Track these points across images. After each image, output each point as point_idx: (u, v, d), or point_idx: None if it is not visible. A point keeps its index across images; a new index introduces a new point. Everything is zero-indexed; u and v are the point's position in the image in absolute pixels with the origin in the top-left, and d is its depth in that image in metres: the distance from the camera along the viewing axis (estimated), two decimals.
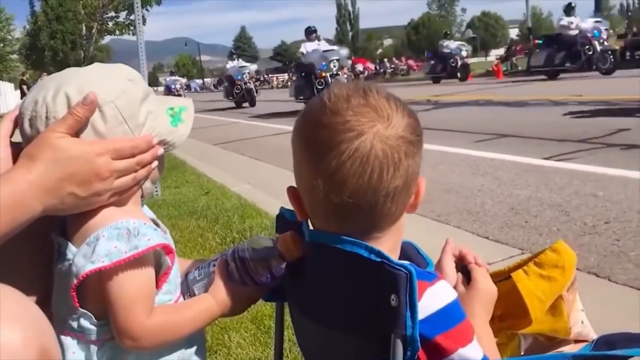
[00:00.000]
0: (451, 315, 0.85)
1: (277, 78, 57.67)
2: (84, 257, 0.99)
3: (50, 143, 0.94)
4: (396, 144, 0.85)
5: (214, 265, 1.12)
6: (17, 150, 1.01)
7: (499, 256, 3.02)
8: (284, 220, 1.09)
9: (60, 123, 0.96)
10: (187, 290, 1.13)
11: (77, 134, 0.98)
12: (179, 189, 5.41)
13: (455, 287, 1.00)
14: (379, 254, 0.83)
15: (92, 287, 1.02)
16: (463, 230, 3.52)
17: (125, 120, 1.02)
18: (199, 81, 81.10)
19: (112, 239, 0.99)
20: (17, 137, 1.04)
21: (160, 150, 1.07)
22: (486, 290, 1.01)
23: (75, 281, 0.99)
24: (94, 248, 0.99)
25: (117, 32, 29.53)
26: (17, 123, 1.04)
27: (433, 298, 0.84)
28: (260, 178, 6.06)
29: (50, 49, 31.99)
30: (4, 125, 1.05)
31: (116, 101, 1.01)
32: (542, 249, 1.14)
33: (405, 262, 0.82)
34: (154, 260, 1.05)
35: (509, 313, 1.05)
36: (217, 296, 1.09)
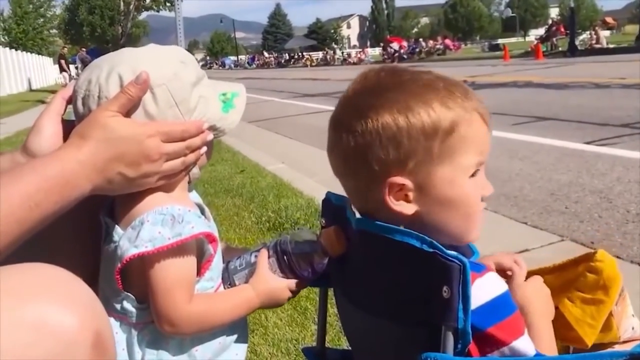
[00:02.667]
0: (502, 307, 0.83)
1: (310, 56, 57.37)
2: (129, 241, 1.00)
3: (102, 122, 0.94)
4: None
5: (256, 256, 1.12)
6: (68, 128, 1.02)
7: (537, 242, 2.97)
8: (330, 205, 1.08)
9: (112, 102, 0.96)
10: (227, 280, 1.13)
11: (128, 113, 0.97)
12: (215, 167, 5.44)
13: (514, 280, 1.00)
14: (431, 244, 0.81)
15: (136, 271, 1.02)
16: (501, 215, 3.47)
17: (176, 103, 1.01)
18: (233, 58, 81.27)
19: (157, 224, 0.99)
20: (68, 116, 1.05)
21: (209, 136, 1.05)
22: (538, 293, 1.01)
23: (119, 264, 1.00)
24: (139, 232, 0.99)
25: (155, 8, 29.68)
26: (69, 101, 1.05)
27: (482, 290, 0.82)
28: (295, 157, 6.06)
29: (89, 24, 32.41)
30: (55, 102, 1.06)
31: (168, 84, 1.00)
32: (583, 254, 1.09)
33: (457, 254, 0.80)
34: (197, 248, 1.05)
35: (563, 336, 1.03)
36: (257, 288, 1.09)
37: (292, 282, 1.10)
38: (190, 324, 1.02)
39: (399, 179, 0.87)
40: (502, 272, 1.03)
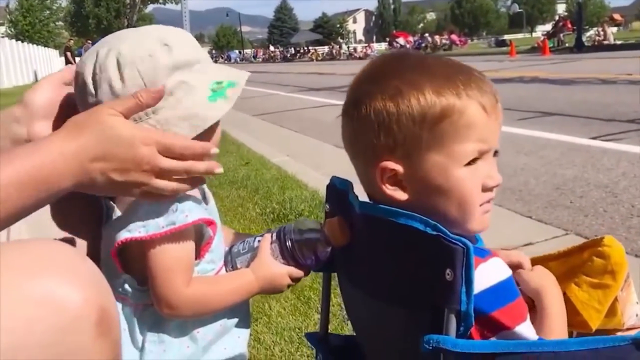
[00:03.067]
0: (506, 291, 0.83)
1: (316, 50, 57.25)
2: (123, 224, 1.01)
3: (102, 118, 0.89)
4: None
5: (259, 241, 1.13)
6: (68, 99, 1.02)
7: (541, 236, 2.97)
8: (334, 190, 1.08)
9: (119, 102, 0.93)
10: (230, 263, 1.14)
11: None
12: (220, 159, 5.34)
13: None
14: (435, 227, 0.81)
15: (135, 253, 1.03)
16: (505, 209, 3.46)
17: (145, 85, 0.95)
18: (236, 52, 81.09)
19: (152, 210, 1.00)
20: None
21: (219, 169, 0.99)
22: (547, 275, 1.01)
23: (113, 247, 1.01)
24: (133, 217, 1.01)
25: (161, 1, 29.67)
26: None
27: (485, 274, 0.82)
28: (300, 150, 6.06)
29: (95, 16, 32.45)
30: (64, 71, 1.05)
31: (139, 64, 0.96)
32: (589, 240, 1.09)
33: (461, 237, 0.80)
34: (195, 232, 1.05)
35: (568, 321, 1.03)
36: (257, 272, 1.09)
37: (292, 269, 1.10)
38: (189, 307, 1.03)
39: (390, 164, 0.88)
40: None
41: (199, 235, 1.06)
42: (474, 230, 0.92)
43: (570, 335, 1.03)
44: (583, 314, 1.01)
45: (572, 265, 1.05)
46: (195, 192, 1.07)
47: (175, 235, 1.00)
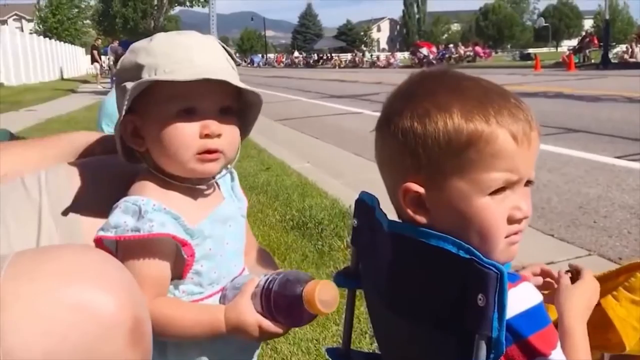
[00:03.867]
0: (538, 317, 0.81)
1: (339, 57, 57.33)
2: (105, 224, 1.02)
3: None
4: None
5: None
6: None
7: (563, 255, 2.92)
8: (362, 205, 1.06)
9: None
10: (225, 293, 1.11)
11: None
12: (240, 163, 5.45)
13: (559, 282, 0.98)
14: (468, 250, 0.79)
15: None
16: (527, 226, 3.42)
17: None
18: (259, 56, 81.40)
19: (127, 212, 1.01)
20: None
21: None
22: (593, 289, 0.97)
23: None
24: (110, 216, 1.02)
25: (187, 3, 29.92)
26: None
27: (516, 299, 0.80)
28: (320, 157, 6.07)
29: (122, 16, 32.76)
30: None
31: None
32: (629, 261, 1.07)
33: (495, 262, 0.78)
34: (177, 249, 1.04)
35: (599, 338, 1.00)
36: (228, 314, 1.05)
37: (265, 322, 1.03)
38: None
39: (413, 186, 0.87)
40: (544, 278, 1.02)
41: (179, 255, 1.05)
42: (500, 261, 0.89)
43: (601, 357, 1.01)
44: (619, 330, 0.98)
45: (607, 288, 1.02)
46: (186, 208, 1.06)
47: (142, 246, 1.01)
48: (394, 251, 0.93)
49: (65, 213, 1.10)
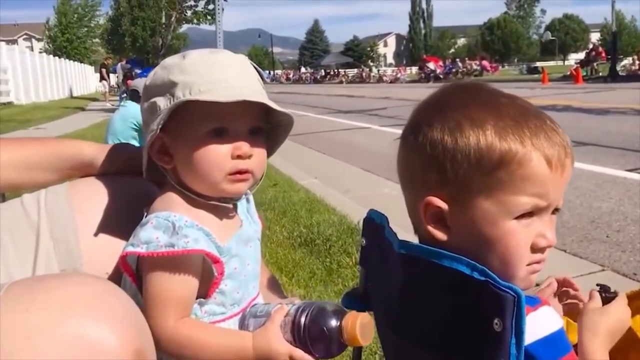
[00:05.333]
0: (559, 344, 0.77)
1: (345, 73, 57.53)
2: (132, 238, 1.00)
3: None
4: None
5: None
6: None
7: (577, 271, 2.86)
8: (371, 224, 1.03)
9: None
10: (243, 319, 1.09)
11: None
12: None
13: (589, 301, 0.92)
14: (483, 272, 0.75)
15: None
16: None
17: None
18: (267, 72, 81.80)
19: (159, 228, 0.99)
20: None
21: None
22: (621, 318, 0.90)
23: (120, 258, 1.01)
24: (140, 232, 1.00)
25: (195, 21, 30.13)
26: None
27: (536, 324, 0.76)
28: (328, 173, 6.04)
29: (131, 35, 33.04)
30: None
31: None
32: None
33: (511, 284, 0.74)
34: (203, 267, 1.03)
35: (624, 355, 0.95)
36: (257, 342, 1.02)
37: (296, 352, 1.01)
38: (171, 345, 0.99)
39: (436, 201, 0.83)
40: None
41: (206, 273, 1.03)
42: (520, 287, 0.84)
43: None
44: None
45: (634, 308, 0.97)
46: (214, 226, 1.05)
47: (174, 263, 0.99)
48: (404, 272, 0.89)
49: (64, 234, 1.07)
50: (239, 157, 1.04)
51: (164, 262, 0.98)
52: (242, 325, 1.09)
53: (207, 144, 1.02)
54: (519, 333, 0.72)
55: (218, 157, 1.03)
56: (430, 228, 0.84)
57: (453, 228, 0.83)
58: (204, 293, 1.05)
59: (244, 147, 1.04)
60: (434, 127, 0.83)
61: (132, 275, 1.03)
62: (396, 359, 0.98)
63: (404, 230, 0.96)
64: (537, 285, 1.01)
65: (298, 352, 1.00)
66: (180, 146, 1.04)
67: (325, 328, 0.98)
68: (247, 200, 1.19)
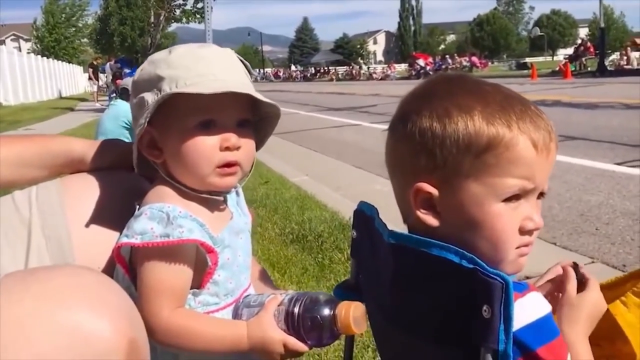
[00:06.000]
0: (547, 329, 0.78)
1: (335, 70, 57.55)
2: (127, 229, 1.01)
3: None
4: None
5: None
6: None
7: None
8: (361, 216, 1.04)
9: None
10: (237, 310, 1.10)
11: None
12: None
13: (565, 291, 0.94)
14: (471, 260, 0.76)
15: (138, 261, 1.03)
16: None
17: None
18: (257, 70, 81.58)
19: (153, 219, 1.00)
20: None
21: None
22: (597, 303, 0.93)
23: (114, 249, 1.02)
24: (134, 222, 1.01)
25: (184, 20, 30.00)
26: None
27: (524, 310, 0.77)
28: (319, 170, 6.05)
29: (119, 34, 32.85)
30: None
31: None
32: (631, 272, 1.04)
33: (499, 271, 0.75)
34: (197, 257, 1.04)
35: (609, 349, 0.96)
36: (251, 330, 1.03)
37: (290, 339, 1.02)
38: (166, 335, 1.00)
39: (426, 186, 0.84)
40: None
41: (200, 263, 1.04)
42: (508, 272, 0.85)
43: None
44: (629, 336, 0.95)
45: (615, 295, 0.99)
46: (206, 217, 1.06)
47: (169, 253, 0.99)
48: (394, 262, 0.90)
49: (55, 230, 1.07)
50: (227, 148, 1.04)
51: (159, 252, 0.99)
52: (236, 315, 1.10)
53: (195, 136, 1.03)
54: (508, 319, 0.73)
55: (206, 149, 1.03)
56: (420, 214, 0.85)
57: (443, 213, 0.84)
58: (197, 283, 1.06)
59: (232, 138, 1.04)
60: (423, 115, 0.85)
61: (126, 267, 1.04)
62: (389, 347, 1.00)
63: (394, 225, 0.97)
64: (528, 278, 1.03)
65: (291, 339, 1.01)
66: (168, 140, 1.05)
67: (318, 317, 1.00)
68: (237, 194, 1.20)
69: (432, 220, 0.85)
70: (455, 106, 0.83)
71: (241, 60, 1.13)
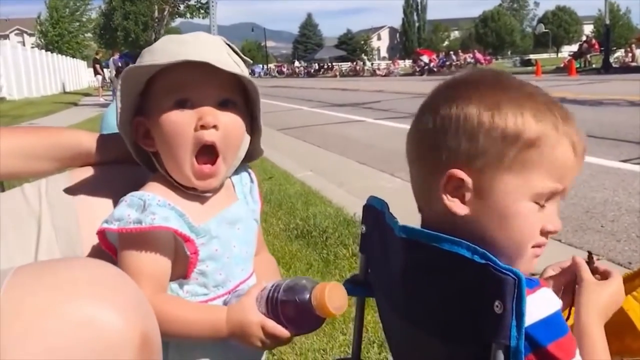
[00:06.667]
0: (557, 325, 0.78)
1: (339, 66, 57.46)
2: (109, 216, 1.02)
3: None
4: None
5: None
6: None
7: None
8: (371, 211, 1.03)
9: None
10: (229, 299, 1.09)
11: None
12: None
13: (581, 280, 0.93)
14: (483, 255, 0.76)
15: None
16: None
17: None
18: (260, 66, 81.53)
19: (132, 206, 1.01)
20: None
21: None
22: (616, 292, 0.93)
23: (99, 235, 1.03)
24: (115, 209, 1.02)
25: (188, 15, 30.00)
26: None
27: (535, 306, 0.77)
28: (323, 166, 6.04)
29: (123, 29, 32.84)
30: None
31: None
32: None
33: (511, 267, 0.75)
34: (179, 246, 1.03)
35: (618, 345, 0.96)
36: (231, 313, 1.02)
37: (268, 322, 1.00)
38: None
39: (460, 173, 0.83)
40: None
41: (182, 252, 1.04)
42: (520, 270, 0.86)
43: None
44: None
45: (625, 290, 0.99)
46: (192, 207, 1.05)
47: (142, 239, 1.00)
48: (405, 257, 0.90)
49: (65, 222, 1.08)
50: (202, 127, 1.02)
51: (133, 238, 1.00)
52: (226, 304, 1.08)
53: (171, 116, 1.02)
54: (520, 315, 0.72)
55: (179, 127, 1.02)
56: (447, 201, 0.84)
57: (472, 203, 0.84)
58: (182, 273, 1.06)
59: (207, 116, 1.02)
60: (470, 102, 0.84)
61: (113, 251, 1.04)
62: (401, 342, 0.99)
63: (401, 220, 0.97)
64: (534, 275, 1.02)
65: (270, 322, 1.00)
66: (153, 126, 1.06)
67: (297, 299, 0.98)
68: (252, 180, 1.19)
69: (459, 208, 0.84)
70: (506, 100, 0.83)
71: (232, 49, 1.10)
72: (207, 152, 1.04)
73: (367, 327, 1.95)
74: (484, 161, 0.82)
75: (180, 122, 1.02)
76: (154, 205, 1.00)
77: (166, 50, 1.03)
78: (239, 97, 1.08)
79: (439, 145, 0.85)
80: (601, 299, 0.91)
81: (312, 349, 1.96)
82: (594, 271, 0.96)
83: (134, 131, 1.07)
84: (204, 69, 1.00)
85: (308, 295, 0.97)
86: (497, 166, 0.82)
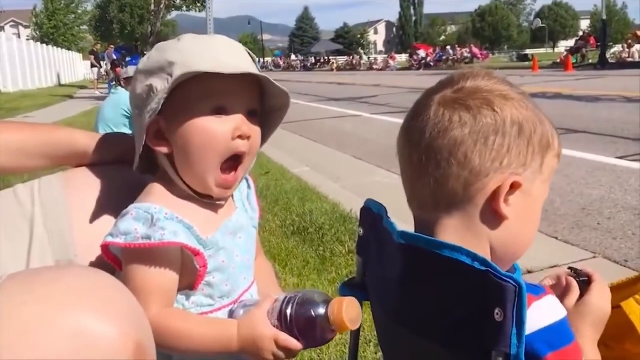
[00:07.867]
0: (561, 334, 0.77)
1: (336, 60, 57.35)
2: (113, 228, 0.99)
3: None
4: None
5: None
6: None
7: (568, 258, 2.88)
8: (369, 214, 1.01)
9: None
10: (235, 311, 1.08)
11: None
12: None
13: (566, 298, 0.92)
14: (484, 262, 0.75)
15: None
16: None
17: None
18: (258, 60, 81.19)
19: (138, 220, 0.98)
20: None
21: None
22: (600, 307, 0.91)
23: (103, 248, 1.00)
24: (119, 222, 0.99)
25: (184, 8, 29.91)
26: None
27: (540, 313, 0.76)
28: (319, 161, 6.03)
29: (119, 22, 32.74)
30: None
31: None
32: None
33: (512, 274, 0.74)
34: (187, 260, 1.01)
35: (617, 346, 0.95)
36: (242, 328, 0.99)
37: (281, 335, 0.97)
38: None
39: (520, 179, 0.83)
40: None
41: (190, 266, 1.02)
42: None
43: None
44: None
45: (628, 294, 0.98)
46: (199, 218, 1.03)
47: (151, 255, 0.98)
48: (403, 262, 0.89)
49: (58, 224, 1.06)
50: (240, 137, 1.01)
51: (141, 254, 0.97)
52: (232, 316, 1.07)
53: (207, 122, 1.00)
54: (520, 323, 0.71)
55: (217, 135, 1.00)
56: (502, 207, 0.82)
57: (516, 207, 0.84)
58: (189, 285, 1.04)
59: (244, 126, 1.01)
60: (519, 104, 0.85)
61: (117, 263, 1.02)
62: (395, 348, 0.98)
63: (397, 217, 0.96)
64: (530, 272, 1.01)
65: (283, 335, 0.98)
66: (178, 128, 1.01)
67: (312, 315, 0.97)
68: (249, 186, 1.18)
69: (508, 212, 0.83)
70: (532, 107, 0.87)
71: (248, 53, 1.10)
72: (231, 161, 1.03)
73: (364, 326, 1.94)
74: (533, 167, 0.84)
75: (218, 130, 1.00)
76: (162, 220, 0.97)
77: (202, 53, 1.00)
78: (259, 107, 1.08)
79: (482, 150, 0.82)
80: (588, 319, 0.90)
81: (309, 349, 1.95)
82: (582, 280, 0.95)
83: (146, 131, 1.03)
84: (241, 77, 0.99)
85: (323, 309, 0.97)
86: (540, 173, 0.86)
